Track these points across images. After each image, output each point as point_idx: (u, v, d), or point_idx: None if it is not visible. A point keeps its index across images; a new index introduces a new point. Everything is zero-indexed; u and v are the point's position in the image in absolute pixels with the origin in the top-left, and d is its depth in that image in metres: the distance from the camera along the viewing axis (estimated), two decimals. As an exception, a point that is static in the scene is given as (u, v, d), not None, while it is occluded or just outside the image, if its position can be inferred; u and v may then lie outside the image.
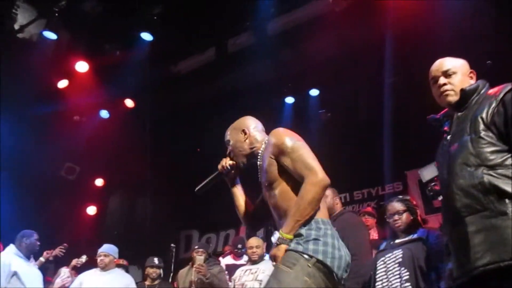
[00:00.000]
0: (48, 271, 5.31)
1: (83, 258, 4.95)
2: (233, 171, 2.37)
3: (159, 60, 7.30)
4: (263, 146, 2.26)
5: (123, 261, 5.61)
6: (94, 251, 4.84)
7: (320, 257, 1.87)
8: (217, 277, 4.56)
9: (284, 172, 2.09)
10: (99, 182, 9.01)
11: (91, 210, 8.91)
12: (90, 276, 4.55)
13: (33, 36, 7.09)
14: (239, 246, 5.63)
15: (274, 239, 2.03)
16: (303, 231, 1.93)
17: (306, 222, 1.94)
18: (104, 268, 4.58)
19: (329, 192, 3.59)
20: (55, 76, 7.34)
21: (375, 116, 6.87)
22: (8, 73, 6.59)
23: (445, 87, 2.07)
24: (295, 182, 2.03)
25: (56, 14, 6.47)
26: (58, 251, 4.88)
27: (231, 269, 5.21)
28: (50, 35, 6.63)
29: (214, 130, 8.11)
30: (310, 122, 7.67)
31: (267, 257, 4.89)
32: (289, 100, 7.78)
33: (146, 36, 6.83)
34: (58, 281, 4.73)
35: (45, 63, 6.95)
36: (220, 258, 5.75)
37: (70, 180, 8.47)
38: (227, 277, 5.02)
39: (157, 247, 6.66)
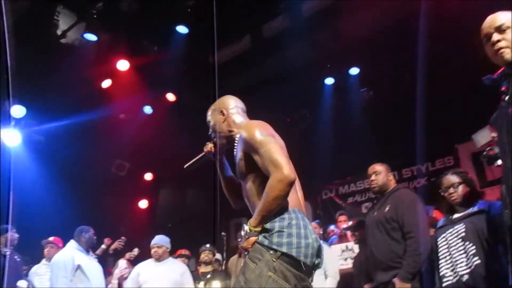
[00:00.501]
0: (108, 263, 5.53)
1: (135, 251, 5.13)
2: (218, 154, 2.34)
3: (196, 52, 7.35)
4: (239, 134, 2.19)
5: (185, 251, 5.75)
6: (148, 243, 5.00)
7: (284, 249, 1.86)
8: None
9: (254, 166, 2.06)
10: (148, 176, 9.29)
11: (143, 204, 9.22)
12: (146, 266, 4.71)
13: (75, 40, 7.33)
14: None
15: (243, 231, 2.02)
16: (268, 224, 1.94)
17: (274, 216, 1.94)
18: (159, 258, 4.72)
19: (381, 168, 3.48)
20: (98, 77, 7.57)
21: (420, 91, 6.61)
22: (55, 78, 6.88)
23: (500, 44, 1.90)
24: (264, 177, 1.99)
25: (95, 16, 6.65)
26: (117, 244, 5.08)
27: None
28: (91, 37, 6.83)
29: (258, 116, 8.15)
30: (352, 102, 7.51)
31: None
32: (329, 81, 7.65)
33: (182, 29, 6.89)
34: (116, 272, 4.93)
35: (88, 65, 7.18)
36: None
37: (121, 177, 8.78)
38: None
39: (209, 237, 6.78)
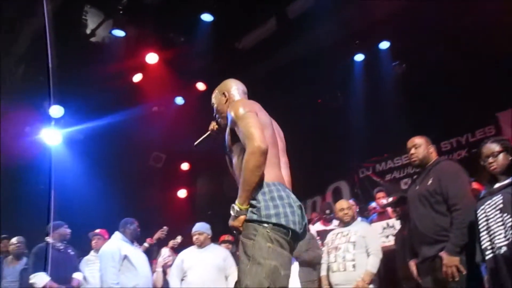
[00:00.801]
0: (152, 252, 5.68)
1: (179, 239, 5.23)
2: (221, 133, 2.41)
3: (223, 39, 7.35)
4: None
5: (228, 237, 5.83)
6: (189, 230, 5.10)
7: (274, 220, 1.94)
8: (304, 252, 4.63)
9: (238, 141, 2.13)
10: (185, 166, 9.46)
11: (182, 193, 9.40)
12: (189, 253, 4.80)
13: (104, 38, 7.48)
14: (327, 211, 5.62)
15: (232, 211, 2.04)
16: (253, 201, 1.99)
17: (254, 190, 1.99)
18: (201, 245, 4.80)
19: (421, 141, 3.38)
20: (129, 72, 7.71)
21: (455, 60, 6.39)
22: (89, 77, 7.05)
23: None
24: (244, 152, 2.03)
25: (121, 12, 6.74)
26: (159, 233, 5.20)
27: (322, 234, 5.23)
28: (119, 33, 6.95)
29: (289, 99, 8.14)
30: (384, 77, 7.33)
31: (359, 218, 4.84)
32: (359, 57, 7.49)
33: (207, 17, 6.90)
34: (160, 260, 5.06)
35: (119, 61, 7.31)
36: (310, 226, 5.77)
37: (158, 168, 8.97)
38: (319, 242, 5.06)
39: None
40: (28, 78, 7.41)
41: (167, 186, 9.19)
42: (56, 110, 6.99)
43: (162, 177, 8.98)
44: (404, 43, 7.07)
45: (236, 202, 2.04)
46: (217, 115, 2.46)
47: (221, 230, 6.15)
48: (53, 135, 6.78)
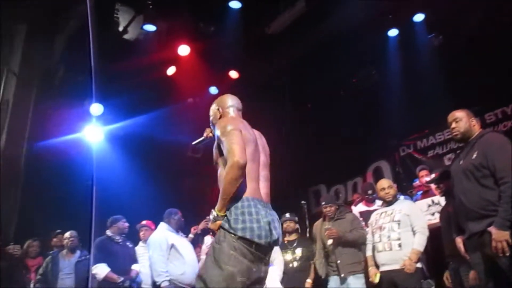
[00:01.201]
0: (197, 241, 5.79)
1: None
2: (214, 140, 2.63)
3: (252, 25, 7.32)
4: None
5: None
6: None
7: (239, 234, 2.24)
8: (348, 232, 4.60)
9: (222, 156, 2.41)
10: (222, 155, 9.54)
11: (222, 182, 9.51)
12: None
13: (136, 34, 7.61)
14: (369, 192, 5.55)
15: (212, 215, 2.35)
16: (227, 212, 2.29)
17: (231, 202, 2.29)
18: (245, 231, 4.86)
19: (462, 114, 3.24)
20: (163, 65, 7.83)
21: (493, 28, 6.11)
22: (124, 74, 7.22)
23: None
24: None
25: (150, 7, 6.83)
26: (204, 224, 5.30)
27: (365, 215, 5.18)
28: (150, 28, 7.05)
29: (322, 81, 8.05)
30: (420, 51, 7.08)
31: (402, 197, 4.76)
32: (393, 32, 7.27)
33: (235, 4, 6.88)
34: (204, 248, 5.16)
35: (152, 55, 7.43)
36: (352, 207, 5.73)
37: (197, 159, 9.10)
38: (363, 223, 5.01)
39: (289, 207, 6.87)
40: (67, 78, 7.67)
41: (207, 175, 9.30)
42: (96, 108, 7.20)
43: (201, 167, 9.10)
44: (440, 14, 6.80)
45: (216, 208, 2.33)
46: (211, 125, 2.76)
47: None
48: (95, 132, 6.99)
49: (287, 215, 5.24)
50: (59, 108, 7.57)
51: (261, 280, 2.40)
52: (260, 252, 2.30)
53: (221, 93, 8.33)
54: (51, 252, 5.69)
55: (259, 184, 2.45)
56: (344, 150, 8.07)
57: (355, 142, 7.87)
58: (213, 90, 8.44)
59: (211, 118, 2.78)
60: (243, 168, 2.25)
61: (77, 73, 7.60)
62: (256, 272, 2.31)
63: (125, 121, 7.64)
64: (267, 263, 2.42)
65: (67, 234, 5.52)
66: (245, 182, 2.34)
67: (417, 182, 5.81)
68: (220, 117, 2.67)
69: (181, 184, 8.46)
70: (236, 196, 2.31)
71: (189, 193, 8.44)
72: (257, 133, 2.66)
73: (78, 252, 5.41)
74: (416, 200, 5.35)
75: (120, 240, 5.09)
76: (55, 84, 7.91)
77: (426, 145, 7.45)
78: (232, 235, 2.25)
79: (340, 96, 8.16)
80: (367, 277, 4.39)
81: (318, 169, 8.45)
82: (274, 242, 2.35)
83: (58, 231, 5.92)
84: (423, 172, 5.63)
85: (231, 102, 2.76)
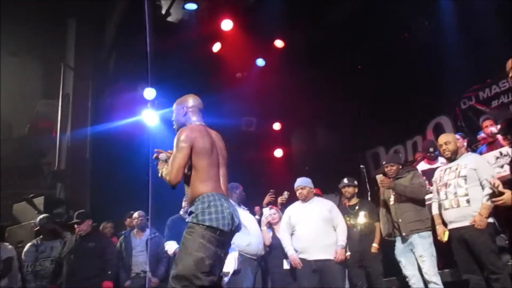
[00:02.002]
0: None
1: (286, 195, 5.34)
2: None
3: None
4: None
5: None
6: (291, 187, 5.20)
7: (207, 223, 2.67)
8: (402, 185, 4.48)
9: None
10: (277, 126, 9.57)
11: (278, 152, 9.57)
12: (295, 208, 4.92)
13: (179, 14, 7.67)
14: (431, 149, 5.35)
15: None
16: (193, 208, 2.75)
17: (197, 199, 2.76)
18: (305, 199, 4.89)
19: None
20: (208, 43, 7.87)
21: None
22: (173, 56, 7.34)
23: None
24: (189, 168, 2.84)
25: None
26: (268, 198, 5.37)
27: (428, 173, 5.01)
28: (191, 6, 7.07)
29: (372, 39, 7.76)
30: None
31: (467, 152, 4.53)
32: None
33: (275, -29, 6.74)
34: (263, 219, 5.23)
35: (196, 34, 7.48)
36: (416, 166, 5.55)
37: (251, 132, 9.19)
38: (426, 182, 4.86)
39: (348, 172, 6.80)
40: (119, 66, 7.93)
41: (263, 148, 9.40)
42: (149, 93, 7.41)
43: (256, 140, 9.19)
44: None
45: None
46: (174, 122, 3.12)
47: (321, 183, 6.21)
48: (150, 116, 7.22)
49: (345, 180, 5.17)
50: (115, 95, 7.88)
51: (223, 260, 2.87)
52: (224, 238, 2.75)
53: (267, 64, 8.37)
54: (123, 232, 6.03)
55: (219, 182, 2.90)
56: (401, 109, 7.80)
57: (411, 99, 7.58)
58: (260, 62, 8.41)
59: (174, 117, 3.11)
60: (172, 184, 2.77)
61: (128, 60, 7.84)
62: (221, 254, 2.78)
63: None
64: (228, 247, 2.91)
65: (135, 214, 5.81)
66: (207, 182, 2.81)
67: (481, 135, 5.51)
68: (185, 114, 3.05)
69: (239, 158, 8.58)
70: (201, 193, 2.77)
71: (247, 166, 8.56)
72: (214, 134, 3.05)
73: (147, 231, 5.69)
74: (481, 153, 5.09)
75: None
76: (109, 73, 8.22)
77: (490, 95, 7.03)
78: (201, 225, 2.67)
79: (392, 53, 7.83)
80: (434, 236, 4.28)
81: (375, 131, 8.26)
82: (236, 228, 2.81)
83: (131, 212, 6.24)
84: (487, 122, 5.29)
85: (193, 102, 3.11)
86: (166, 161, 2.97)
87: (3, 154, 8.68)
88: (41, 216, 5.75)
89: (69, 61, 8.52)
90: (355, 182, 5.28)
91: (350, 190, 5.14)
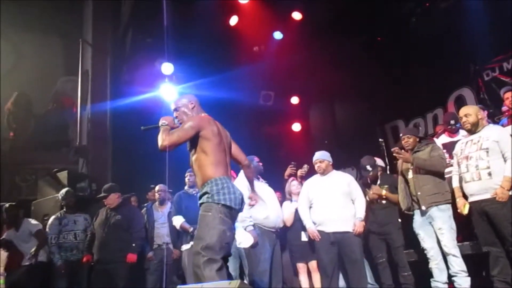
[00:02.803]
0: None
1: (305, 168, 5.37)
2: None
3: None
4: None
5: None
6: (309, 161, 5.20)
7: (222, 202, 3.03)
8: (420, 159, 4.44)
9: (192, 145, 3.24)
10: (295, 100, 9.52)
11: (296, 127, 9.56)
12: (314, 181, 4.94)
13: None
14: (452, 122, 5.25)
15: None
16: (208, 189, 3.07)
17: (210, 181, 3.08)
18: (323, 172, 4.90)
19: None
20: (225, 17, 7.78)
21: None
22: (188, 31, 7.30)
23: None
24: (197, 152, 3.20)
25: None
26: (290, 170, 5.40)
27: (449, 146, 4.95)
28: (208, -21, 6.97)
29: (392, 10, 7.57)
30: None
31: (490, 124, 4.44)
32: None
33: None
34: (287, 190, 5.29)
35: (211, 7, 7.41)
36: (434, 139, 5.48)
37: (269, 106, 9.17)
38: (447, 155, 4.80)
39: (368, 145, 6.75)
40: (136, 42, 7.93)
41: (281, 122, 9.40)
42: (167, 67, 7.42)
43: (274, 114, 9.18)
44: None
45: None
46: (178, 117, 3.36)
47: (340, 157, 6.19)
48: (169, 91, 7.25)
49: (368, 167, 5.11)
50: (133, 70, 7.92)
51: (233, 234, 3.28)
52: (234, 215, 3.16)
53: (285, 37, 8.26)
54: (145, 204, 6.16)
55: (227, 167, 3.24)
56: (420, 81, 7.64)
57: (432, 71, 7.40)
58: (278, 35, 8.30)
59: (180, 108, 3.36)
60: (162, 147, 3.09)
61: (146, 35, 7.83)
62: (232, 228, 3.18)
63: (195, 77, 7.81)
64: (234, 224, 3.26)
65: (156, 188, 5.92)
66: (218, 166, 3.13)
67: (505, 108, 5.38)
68: (193, 108, 3.37)
69: (257, 132, 8.61)
70: (213, 177, 3.09)
71: (266, 140, 8.59)
72: (219, 125, 3.34)
73: (169, 204, 5.79)
74: (503, 126, 4.97)
75: (194, 193, 5.32)
76: (126, 48, 8.24)
77: (515, 66, 6.82)
78: (217, 204, 3.01)
79: (411, 24, 7.62)
80: (454, 208, 4.25)
81: (394, 104, 8.12)
82: (242, 206, 3.21)
83: (152, 186, 6.36)
84: (509, 94, 5.14)
85: (195, 98, 3.46)
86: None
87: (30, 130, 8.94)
88: (64, 190, 5.91)
89: (87, 37, 8.57)
90: (373, 157, 5.24)
91: (374, 173, 5.10)
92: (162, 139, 3.09)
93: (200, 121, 3.21)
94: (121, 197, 5.52)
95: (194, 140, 3.19)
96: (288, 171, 5.40)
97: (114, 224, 5.32)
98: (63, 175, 6.69)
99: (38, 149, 9.52)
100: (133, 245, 5.33)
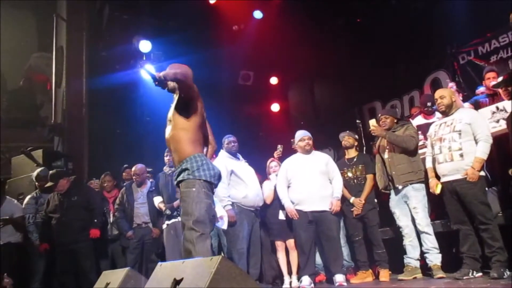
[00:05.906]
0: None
1: (280, 148, 5.44)
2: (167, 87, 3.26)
3: None
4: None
5: None
6: (288, 141, 5.25)
7: (203, 178, 3.09)
8: (393, 134, 4.58)
9: (176, 115, 3.21)
10: (274, 80, 9.52)
11: (275, 107, 9.59)
12: (292, 161, 4.99)
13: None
14: (429, 104, 5.35)
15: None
16: (187, 165, 3.09)
17: (189, 158, 3.11)
18: (310, 149, 4.98)
19: None
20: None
21: None
22: (167, 8, 7.15)
23: None
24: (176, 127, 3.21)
25: None
26: (276, 154, 5.43)
27: (424, 128, 5.05)
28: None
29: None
30: None
31: (466, 104, 4.53)
32: None
33: None
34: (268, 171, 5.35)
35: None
36: (410, 120, 5.59)
37: (248, 86, 9.15)
38: (421, 136, 4.92)
39: (345, 126, 6.83)
40: (113, 18, 7.74)
41: (260, 102, 9.40)
42: (144, 45, 7.29)
43: (253, 94, 9.16)
44: None
45: None
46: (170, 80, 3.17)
47: (318, 137, 6.27)
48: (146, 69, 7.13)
49: (347, 131, 5.25)
50: (110, 47, 7.74)
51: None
52: (214, 190, 3.24)
53: (265, 17, 8.20)
54: (124, 184, 6.12)
55: (203, 146, 3.29)
56: (398, 63, 7.74)
57: (409, 54, 7.50)
58: (257, 14, 8.23)
59: (181, 78, 3.12)
60: (176, 77, 3.08)
61: (123, 12, 7.65)
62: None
63: (173, 55, 7.70)
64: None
65: (133, 170, 5.86)
66: (196, 144, 3.16)
67: (480, 89, 5.50)
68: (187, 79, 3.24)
69: (236, 112, 8.59)
70: (192, 154, 3.12)
71: (245, 120, 8.58)
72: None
73: (148, 183, 5.78)
74: (477, 101, 5.07)
75: (169, 172, 5.36)
76: (103, 25, 8.04)
77: (489, 49, 6.94)
78: (198, 179, 3.07)
79: (391, 5, 7.66)
80: (427, 188, 4.39)
81: (372, 85, 8.20)
82: (219, 182, 3.28)
83: (125, 165, 6.33)
84: (490, 74, 5.20)
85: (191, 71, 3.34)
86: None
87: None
88: (39, 169, 5.81)
89: (61, 12, 8.32)
90: (356, 136, 5.35)
91: (350, 140, 5.20)
92: (174, 73, 3.05)
93: (198, 93, 3.24)
94: (69, 180, 5.53)
95: (182, 110, 3.17)
96: (275, 155, 5.45)
97: (73, 206, 5.34)
98: (37, 154, 6.57)
99: (11, 126, 9.29)
100: (95, 220, 5.45)
